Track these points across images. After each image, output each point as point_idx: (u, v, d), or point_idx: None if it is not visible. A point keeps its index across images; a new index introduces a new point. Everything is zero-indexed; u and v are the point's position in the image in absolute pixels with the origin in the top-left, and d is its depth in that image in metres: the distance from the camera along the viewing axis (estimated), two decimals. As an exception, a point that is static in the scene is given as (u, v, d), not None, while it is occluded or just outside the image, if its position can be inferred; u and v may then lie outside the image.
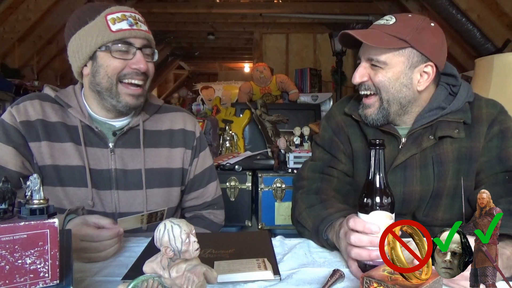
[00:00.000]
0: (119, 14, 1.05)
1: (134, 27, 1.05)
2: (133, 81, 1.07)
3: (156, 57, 1.14)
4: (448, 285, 0.74)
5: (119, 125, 1.16)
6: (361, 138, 1.18)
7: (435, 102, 1.10)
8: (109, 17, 1.05)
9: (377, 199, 0.80)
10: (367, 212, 0.80)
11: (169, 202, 1.20)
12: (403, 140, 1.11)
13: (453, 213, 1.10)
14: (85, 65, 1.09)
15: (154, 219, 1.01)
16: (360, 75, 1.08)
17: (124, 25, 1.05)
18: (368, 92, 1.08)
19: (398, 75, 1.04)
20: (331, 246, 0.97)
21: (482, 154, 1.07)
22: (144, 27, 1.08)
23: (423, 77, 1.06)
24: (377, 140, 0.80)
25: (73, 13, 1.10)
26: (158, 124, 1.22)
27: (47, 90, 1.16)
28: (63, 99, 1.13)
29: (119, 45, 1.04)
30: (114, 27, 1.04)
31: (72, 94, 1.15)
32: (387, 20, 1.06)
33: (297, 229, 1.14)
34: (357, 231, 0.82)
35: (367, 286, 0.62)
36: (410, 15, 1.06)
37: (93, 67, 1.07)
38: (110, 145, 1.13)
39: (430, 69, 1.06)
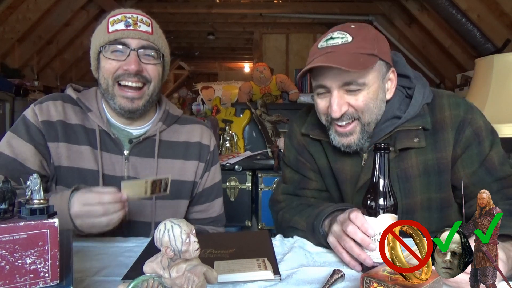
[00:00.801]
0: (119, 16, 1.05)
1: (131, 28, 1.04)
2: (127, 83, 1.06)
3: (161, 60, 1.11)
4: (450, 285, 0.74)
5: (136, 134, 1.16)
6: (323, 155, 1.13)
7: (390, 111, 1.03)
8: (110, 19, 1.05)
9: (385, 202, 0.80)
10: (375, 215, 0.80)
11: (177, 214, 1.19)
12: (365, 155, 1.05)
13: (432, 225, 1.04)
14: (97, 68, 1.11)
15: (158, 188, 0.98)
16: (340, 105, 0.95)
17: (120, 26, 1.04)
18: (349, 121, 0.98)
19: (376, 92, 0.97)
20: (327, 241, 0.96)
21: (464, 165, 1.01)
22: (144, 28, 1.06)
23: (389, 84, 1.02)
24: (382, 144, 0.80)
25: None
26: (175, 135, 1.21)
27: (70, 91, 1.16)
28: (84, 102, 1.13)
29: (114, 45, 1.04)
30: (111, 29, 1.04)
31: (94, 97, 1.16)
32: (342, 38, 0.95)
33: (288, 235, 1.09)
34: (355, 224, 0.82)
35: (367, 286, 0.62)
36: (353, 26, 0.99)
37: (98, 69, 1.09)
38: (125, 152, 1.13)
39: (393, 75, 1.02)
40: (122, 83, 1.06)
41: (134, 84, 1.06)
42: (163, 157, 1.17)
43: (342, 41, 0.95)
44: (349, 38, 0.95)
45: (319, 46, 0.98)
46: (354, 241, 0.83)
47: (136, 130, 1.16)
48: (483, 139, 1.00)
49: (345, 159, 1.07)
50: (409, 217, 1.04)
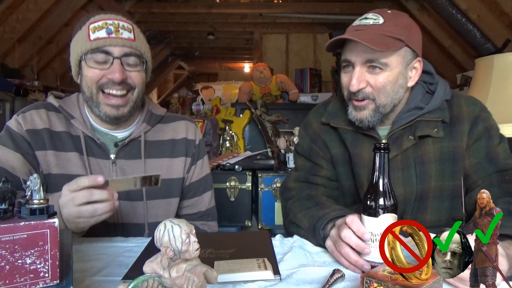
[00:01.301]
0: (100, 23, 1.03)
1: (113, 35, 1.02)
2: (112, 92, 1.05)
3: (144, 66, 1.10)
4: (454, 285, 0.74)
5: (121, 136, 1.15)
6: (338, 143, 1.17)
7: (413, 102, 1.09)
8: (91, 26, 1.03)
9: (386, 202, 0.80)
10: (375, 215, 0.80)
11: (169, 213, 1.19)
12: (384, 141, 1.09)
13: (441, 215, 1.09)
14: (78, 74, 1.09)
15: (149, 183, 0.96)
16: (359, 80, 1.01)
17: (102, 33, 1.02)
18: (363, 99, 1.05)
19: (397, 76, 1.03)
20: None
21: (470, 155, 1.07)
22: (127, 35, 1.04)
23: (413, 72, 1.07)
24: (382, 144, 0.80)
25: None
26: (160, 134, 1.21)
27: (51, 99, 1.15)
28: (66, 109, 1.13)
29: (96, 54, 1.02)
30: (92, 36, 1.02)
31: (76, 103, 1.15)
32: (374, 19, 1.02)
33: (290, 231, 1.12)
34: (351, 229, 0.83)
35: (367, 286, 0.62)
36: (390, 11, 1.05)
37: (80, 76, 1.08)
38: (112, 156, 1.13)
39: (418, 64, 1.07)
40: (106, 91, 1.05)
41: (119, 92, 1.05)
42: (150, 157, 1.17)
43: (373, 22, 1.02)
44: (381, 21, 1.01)
45: (353, 24, 1.06)
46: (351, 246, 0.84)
47: (121, 133, 1.16)
48: (493, 136, 1.07)
49: (364, 145, 1.11)
50: (422, 204, 1.08)
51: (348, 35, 1.00)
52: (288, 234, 1.13)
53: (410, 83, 1.07)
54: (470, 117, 1.07)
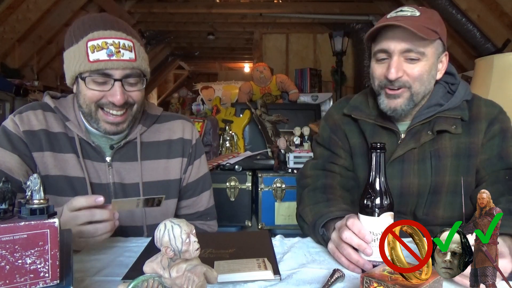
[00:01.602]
0: (99, 42, 0.98)
1: (114, 57, 0.98)
2: (112, 111, 1.03)
3: (144, 84, 1.07)
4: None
5: (117, 138, 1.14)
6: (358, 134, 1.19)
7: (434, 99, 1.12)
8: (89, 43, 0.98)
9: (383, 201, 0.81)
10: (372, 215, 0.81)
11: (167, 214, 1.18)
12: (402, 136, 1.12)
13: (454, 211, 1.10)
14: (74, 84, 1.06)
15: (151, 204, 0.96)
16: (397, 69, 1.03)
17: (102, 55, 0.98)
18: (399, 88, 1.07)
19: (431, 66, 1.06)
20: (326, 242, 0.96)
21: (483, 151, 1.08)
22: (128, 55, 1.00)
23: (441, 65, 1.11)
24: (378, 144, 0.81)
25: (73, 24, 1.05)
26: (156, 135, 1.19)
27: (47, 100, 1.13)
28: (62, 111, 1.11)
29: (96, 76, 0.99)
30: (92, 57, 0.98)
31: (71, 105, 1.13)
32: (411, 12, 1.05)
33: (298, 223, 1.16)
34: (352, 231, 0.83)
35: (367, 286, 0.62)
36: (421, 7, 1.08)
37: (76, 89, 1.05)
38: (107, 159, 1.12)
39: (445, 59, 1.11)
40: (106, 109, 1.04)
41: (119, 112, 1.04)
42: (146, 158, 1.16)
43: (410, 14, 1.04)
44: (417, 13, 1.04)
45: (388, 16, 1.07)
46: (352, 247, 0.84)
47: (116, 135, 1.13)
48: (508, 137, 1.09)
49: (383, 136, 1.14)
50: (436, 198, 1.10)
51: (392, 22, 1.01)
52: (298, 225, 1.16)
53: (439, 75, 1.11)
54: (488, 117, 1.09)
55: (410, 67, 1.04)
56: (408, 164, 1.10)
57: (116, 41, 0.99)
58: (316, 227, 0.99)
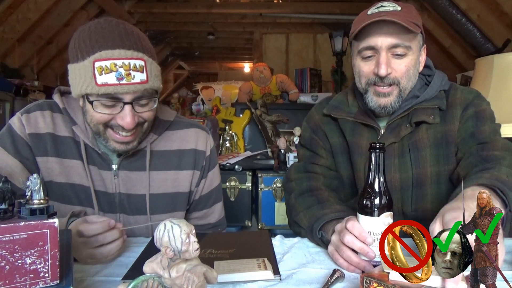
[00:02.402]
0: (108, 63, 0.89)
1: (124, 81, 0.89)
2: (122, 133, 0.98)
3: (156, 103, 1.00)
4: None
5: None
6: (337, 133, 1.21)
7: (411, 92, 1.11)
8: (97, 64, 0.89)
9: (382, 201, 0.80)
10: (372, 214, 0.81)
11: None
12: (382, 131, 1.13)
13: (442, 203, 1.08)
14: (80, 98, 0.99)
15: None
16: (387, 65, 1.03)
17: (111, 78, 0.89)
18: (389, 85, 1.07)
19: (416, 61, 1.07)
20: (325, 243, 0.96)
21: (458, 135, 1.09)
22: (139, 77, 0.91)
23: (422, 57, 1.11)
24: (377, 144, 0.81)
25: (77, 33, 0.96)
26: (167, 144, 1.13)
27: (57, 98, 1.08)
28: (70, 113, 1.06)
29: (105, 99, 0.91)
30: (99, 79, 0.89)
31: (80, 108, 1.05)
32: (393, 7, 1.04)
33: (293, 230, 1.14)
34: (353, 234, 0.83)
35: (367, 286, 0.62)
36: (399, 2, 1.07)
37: (83, 106, 0.99)
38: (114, 167, 1.07)
39: (424, 51, 1.12)
40: (116, 129, 0.98)
41: (129, 133, 0.98)
42: (155, 169, 1.10)
43: (393, 9, 1.04)
44: (398, 8, 1.04)
45: (368, 12, 1.06)
46: (352, 249, 0.84)
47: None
48: (482, 118, 1.08)
49: (363, 134, 1.15)
50: (421, 192, 1.10)
51: (378, 18, 1.00)
52: (294, 232, 1.14)
53: (420, 68, 1.11)
54: (463, 103, 1.10)
55: (397, 63, 1.05)
56: (388, 159, 1.09)
57: (126, 62, 0.90)
58: (313, 231, 0.99)
